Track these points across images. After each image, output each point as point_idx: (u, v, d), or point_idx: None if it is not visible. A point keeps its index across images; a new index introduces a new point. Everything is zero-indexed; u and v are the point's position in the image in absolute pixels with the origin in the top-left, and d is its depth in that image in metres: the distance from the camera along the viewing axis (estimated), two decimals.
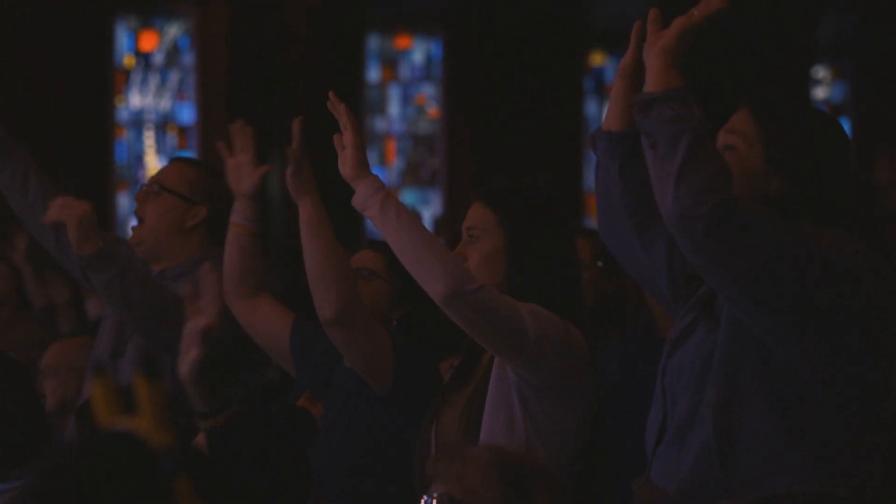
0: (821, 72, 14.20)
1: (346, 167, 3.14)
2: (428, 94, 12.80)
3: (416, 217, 3.05)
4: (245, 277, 3.66)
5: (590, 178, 13.41)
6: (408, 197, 12.33)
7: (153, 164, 11.37)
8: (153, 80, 11.71)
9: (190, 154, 11.67)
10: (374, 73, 12.51)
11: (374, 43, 12.54)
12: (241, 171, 3.64)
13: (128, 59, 11.60)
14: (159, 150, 11.67)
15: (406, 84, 12.69)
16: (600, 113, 13.64)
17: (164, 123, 11.78)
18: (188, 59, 11.72)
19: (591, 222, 13.23)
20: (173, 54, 11.74)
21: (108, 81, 11.15)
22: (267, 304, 3.68)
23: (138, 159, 11.55)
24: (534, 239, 3.13)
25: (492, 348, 3.05)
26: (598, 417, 3.10)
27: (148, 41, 11.66)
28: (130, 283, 3.89)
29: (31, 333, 6.28)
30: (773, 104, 2.75)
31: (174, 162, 4.45)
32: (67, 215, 3.88)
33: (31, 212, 4.13)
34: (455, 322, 3.01)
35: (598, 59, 13.56)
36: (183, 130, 11.81)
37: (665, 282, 2.78)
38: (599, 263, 4.29)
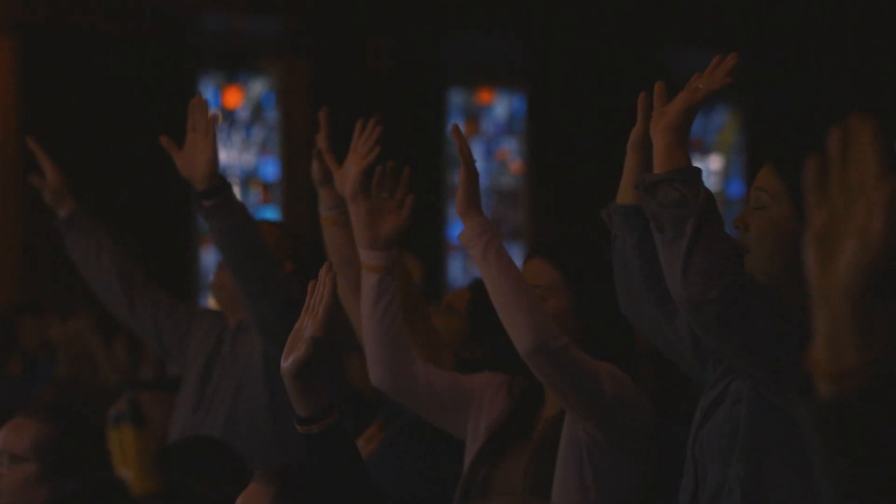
0: None
1: (456, 201, 3.13)
2: (510, 148, 12.79)
3: (514, 266, 3.03)
4: (344, 269, 3.66)
5: None
6: None
7: None
8: (237, 137, 11.81)
9: (273, 209, 11.73)
10: None
11: (456, 98, 12.57)
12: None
13: None
14: None
15: (488, 139, 12.69)
16: None
17: (247, 179, 11.87)
18: (272, 115, 11.81)
19: None
20: (257, 110, 11.84)
21: None
22: None
23: None
24: (601, 299, 3.10)
25: (566, 405, 3.04)
26: (654, 481, 3.09)
27: (233, 97, 11.77)
28: (246, 235, 3.93)
29: (109, 386, 6.37)
30: (794, 157, 2.66)
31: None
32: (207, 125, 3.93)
33: (104, 283, 4.24)
34: (535, 375, 2.99)
35: None
36: (267, 186, 11.88)
37: (690, 350, 2.72)
38: None
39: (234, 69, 11.75)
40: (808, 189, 1.41)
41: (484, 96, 12.78)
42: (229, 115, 11.78)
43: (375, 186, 3.42)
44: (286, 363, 2.61)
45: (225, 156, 11.72)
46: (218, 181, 3.90)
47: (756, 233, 2.57)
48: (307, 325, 2.62)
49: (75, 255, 4.25)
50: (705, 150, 13.64)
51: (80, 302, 6.63)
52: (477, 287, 3.68)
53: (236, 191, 11.84)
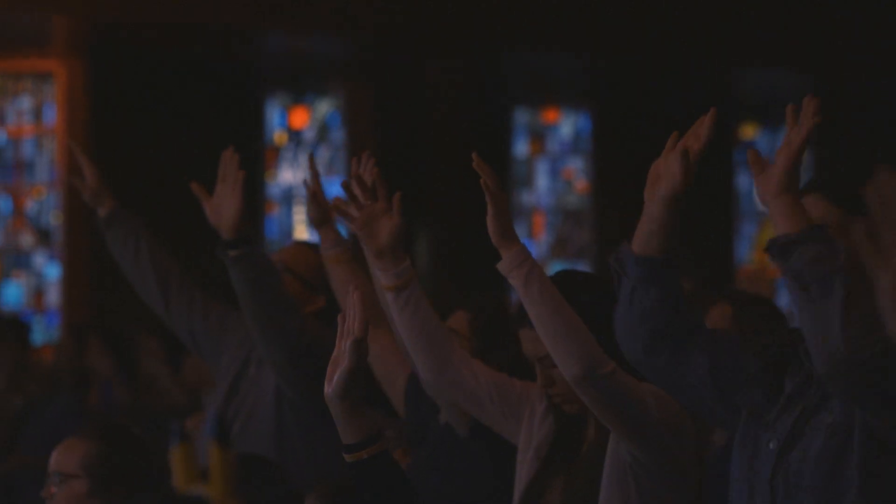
0: None
1: (490, 232, 3.11)
2: (576, 168, 12.76)
3: (557, 293, 3.01)
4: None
5: (741, 251, 13.25)
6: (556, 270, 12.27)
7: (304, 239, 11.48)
8: (303, 157, 11.86)
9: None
10: (521, 147, 12.51)
11: (521, 117, 12.56)
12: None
13: (279, 136, 11.77)
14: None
15: (554, 158, 12.67)
16: (752, 186, 13.45)
17: None
18: (338, 135, 11.85)
19: None
20: (323, 131, 11.88)
21: (260, 158, 11.32)
22: (387, 338, 3.73)
23: (289, 235, 11.68)
24: None
25: (613, 428, 3.03)
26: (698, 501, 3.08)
27: (299, 118, 11.83)
28: (264, 286, 3.96)
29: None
30: (851, 188, 2.61)
31: (298, 245, 4.53)
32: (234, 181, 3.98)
33: (142, 281, 4.31)
34: (583, 400, 2.97)
35: (749, 131, 13.41)
36: None
37: (709, 391, 2.68)
38: None
39: (301, 90, 11.80)
40: (865, 254, 1.37)
41: (549, 115, 12.75)
42: (296, 136, 11.84)
43: (360, 196, 3.36)
44: (330, 388, 2.56)
45: (292, 176, 11.77)
46: (244, 233, 3.99)
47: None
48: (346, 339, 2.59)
49: (115, 252, 4.35)
50: None
51: (149, 325, 6.67)
52: (472, 306, 3.71)
53: (301, 210, 11.91)
